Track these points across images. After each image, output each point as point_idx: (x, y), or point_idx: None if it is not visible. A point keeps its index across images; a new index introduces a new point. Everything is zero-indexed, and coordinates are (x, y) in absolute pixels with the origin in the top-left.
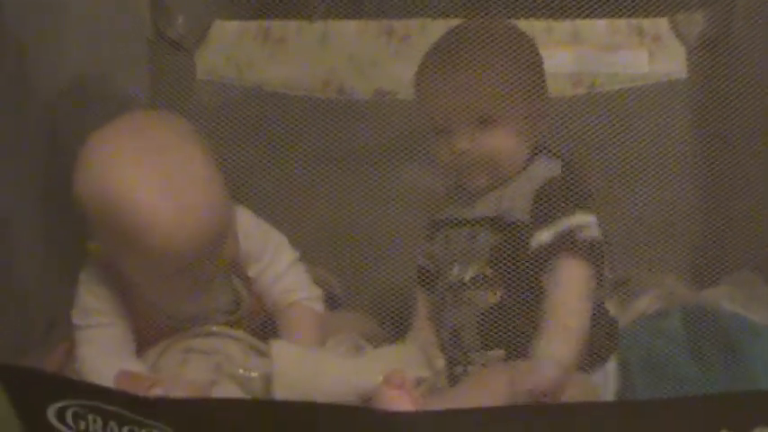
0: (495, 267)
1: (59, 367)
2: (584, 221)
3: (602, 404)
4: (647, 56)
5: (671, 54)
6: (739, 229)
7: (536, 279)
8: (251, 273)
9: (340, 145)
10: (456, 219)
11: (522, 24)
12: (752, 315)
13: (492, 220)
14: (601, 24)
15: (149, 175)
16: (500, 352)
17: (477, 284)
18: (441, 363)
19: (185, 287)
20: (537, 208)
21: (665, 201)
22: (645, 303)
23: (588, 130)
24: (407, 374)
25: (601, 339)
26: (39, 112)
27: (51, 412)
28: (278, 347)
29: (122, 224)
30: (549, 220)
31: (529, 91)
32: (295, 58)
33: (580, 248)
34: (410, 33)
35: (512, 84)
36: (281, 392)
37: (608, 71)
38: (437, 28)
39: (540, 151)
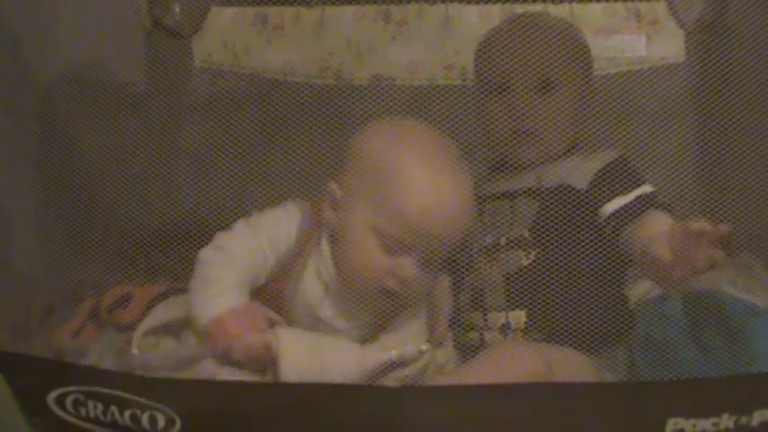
0: (536, 231)
1: (79, 329)
2: (653, 190)
3: (605, 385)
4: (644, 39)
5: (669, 37)
6: (738, 212)
7: (580, 244)
8: (381, 337)
9: (337, 130)
10: (493, 193)
11: (520, 8)
12: (752, 299)
13: (532, 190)
14: (598, 8)
15: (432, 162)
16: (521, 314)
17: (513, 246)
18: (425, 347)
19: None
20: (605, 179)
21: (663, 184)
22: (646, 287)
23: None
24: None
25: (616, 326)
26: (35, 99)
27: (51, 399)
28: (283, 331)
29: (415, 188)
30: (622, 190)
31: (583, 67)
32: (292, 44)
33: (663, 206)
34: (407, 18)
35: (571, 54)
36: (287, 374)
37: (606, 55)
38: (434, 13)
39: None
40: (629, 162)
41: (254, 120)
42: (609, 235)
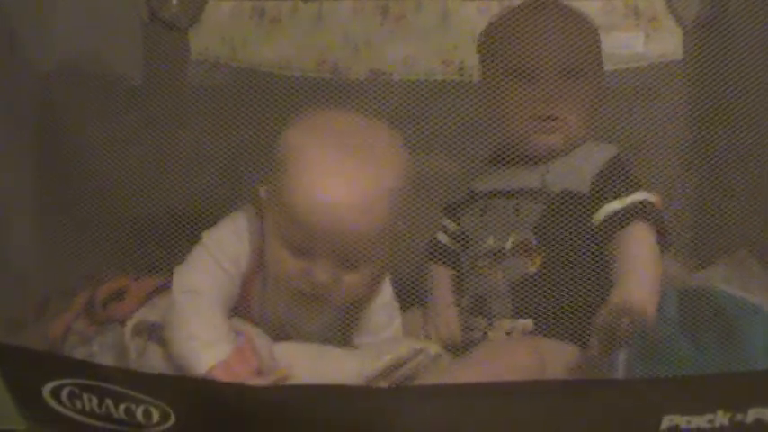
0: (541, 236)
1: (73, 322)
2: (649, 197)
3: (601, 382)
4: (643, 37)
5: (667, 35)
6: (735, 209)
7: (585, 249)
8: (357, 340)
9: None
10: (497, 190)
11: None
12: (748, 296)
13: (537, 191)
14: (596, 4)
15: (338, 156)
16: (528, 322)
17: (518, 252)
18: (435, 348)
19: (309, 286)
20: (603, 183)
21: (660, 182)
22: None
23: None
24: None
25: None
26: (32, 91)
27: (46, 392)
28: (281, 349)
29: (303, 182)
30: (617, 194)
31: (600, 60)
32: (289, 37)
33: (652, 216)
34: (405, 13)
35: (593, 41)
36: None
37: (604, 52)
38: (432, 7)
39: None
40: (627, 162)
41: (251, 113)
42: (601, 241)
